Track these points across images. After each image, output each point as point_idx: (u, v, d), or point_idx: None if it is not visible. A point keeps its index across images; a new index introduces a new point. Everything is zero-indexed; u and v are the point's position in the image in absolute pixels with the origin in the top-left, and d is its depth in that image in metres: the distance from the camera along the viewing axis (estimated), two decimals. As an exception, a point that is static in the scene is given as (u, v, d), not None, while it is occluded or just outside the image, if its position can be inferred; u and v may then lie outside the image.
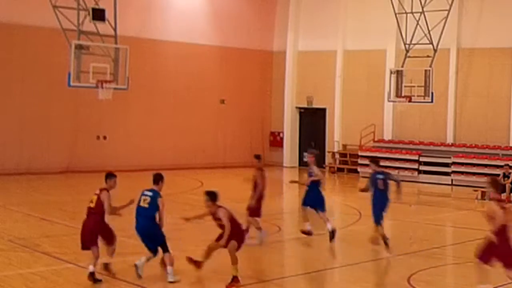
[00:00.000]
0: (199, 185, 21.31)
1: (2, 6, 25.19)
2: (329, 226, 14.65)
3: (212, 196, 11.08)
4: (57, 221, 16.21)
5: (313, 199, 15.05)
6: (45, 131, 26.66)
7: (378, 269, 12.58)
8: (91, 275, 10.81)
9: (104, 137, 28.23)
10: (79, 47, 21.20)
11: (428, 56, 26.12)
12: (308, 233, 14.99)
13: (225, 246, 11.01)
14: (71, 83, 21.28)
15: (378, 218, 13.83)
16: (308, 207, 15.13)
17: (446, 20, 26.00)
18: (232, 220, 11.09)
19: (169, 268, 11.08)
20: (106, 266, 11.33)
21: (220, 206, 11.07)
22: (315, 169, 15.15)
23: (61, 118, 27.02)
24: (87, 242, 11.00)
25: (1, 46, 25.53)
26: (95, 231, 11.06)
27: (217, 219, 11.06)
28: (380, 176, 13.96)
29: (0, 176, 24.49)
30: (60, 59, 23.28)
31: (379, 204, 13.84)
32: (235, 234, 11.00)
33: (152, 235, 11.18)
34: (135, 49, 24.10)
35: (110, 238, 11.31)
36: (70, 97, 25.87)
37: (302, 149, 33.87)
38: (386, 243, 13.67)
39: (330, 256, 13.84)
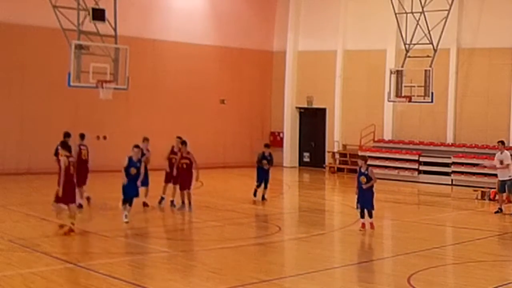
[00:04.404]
0: (199, 185, 21.26)
1: (2, 6, 25.16)
2: None
3: None
4: (57, 221, 16.18)
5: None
6: (45, 131, 26.58)
7: (378, 269, 12.57)
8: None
9: (104, 137, 28.19)
10: (79, 47, 21.15)
11: (428, 56, 26.11)
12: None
13: None
14: (71, 83, 21.23)
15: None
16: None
17: (446, 20, 25.98)
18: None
19: None
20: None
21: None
22: None
23: (61, 118, 26.93)
24: None
25: (1, 46, 25.50)
26: None
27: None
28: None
29: (0, 176, 24.47)
30: (60, 59, 23.25)
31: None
32: None
33: None
34: (135, 49, 24.07)
35: None
36: (70, 97, 25.82)
37: (302, 149, 33.90)
38: None
39: (330, 256, 13.83)
